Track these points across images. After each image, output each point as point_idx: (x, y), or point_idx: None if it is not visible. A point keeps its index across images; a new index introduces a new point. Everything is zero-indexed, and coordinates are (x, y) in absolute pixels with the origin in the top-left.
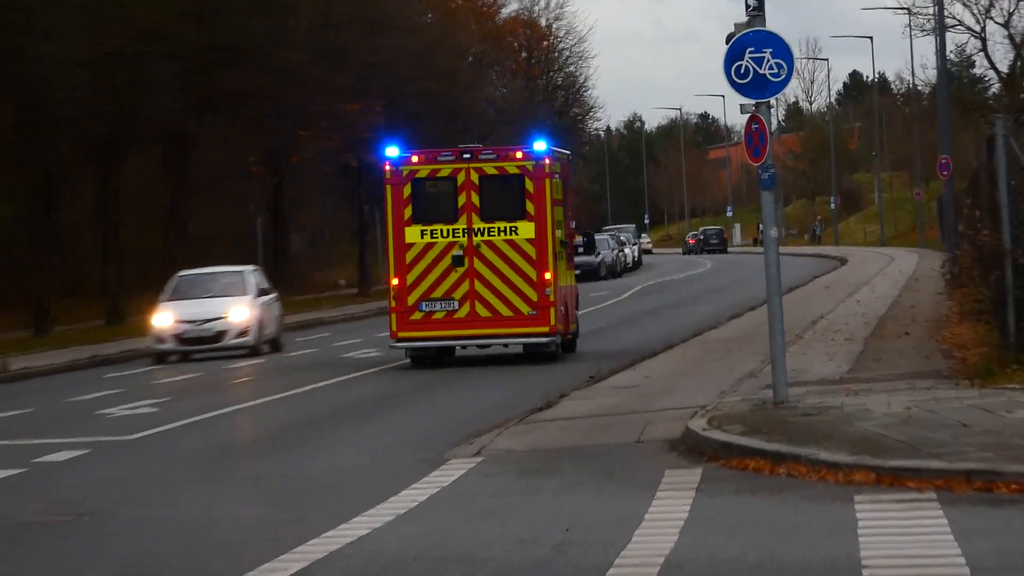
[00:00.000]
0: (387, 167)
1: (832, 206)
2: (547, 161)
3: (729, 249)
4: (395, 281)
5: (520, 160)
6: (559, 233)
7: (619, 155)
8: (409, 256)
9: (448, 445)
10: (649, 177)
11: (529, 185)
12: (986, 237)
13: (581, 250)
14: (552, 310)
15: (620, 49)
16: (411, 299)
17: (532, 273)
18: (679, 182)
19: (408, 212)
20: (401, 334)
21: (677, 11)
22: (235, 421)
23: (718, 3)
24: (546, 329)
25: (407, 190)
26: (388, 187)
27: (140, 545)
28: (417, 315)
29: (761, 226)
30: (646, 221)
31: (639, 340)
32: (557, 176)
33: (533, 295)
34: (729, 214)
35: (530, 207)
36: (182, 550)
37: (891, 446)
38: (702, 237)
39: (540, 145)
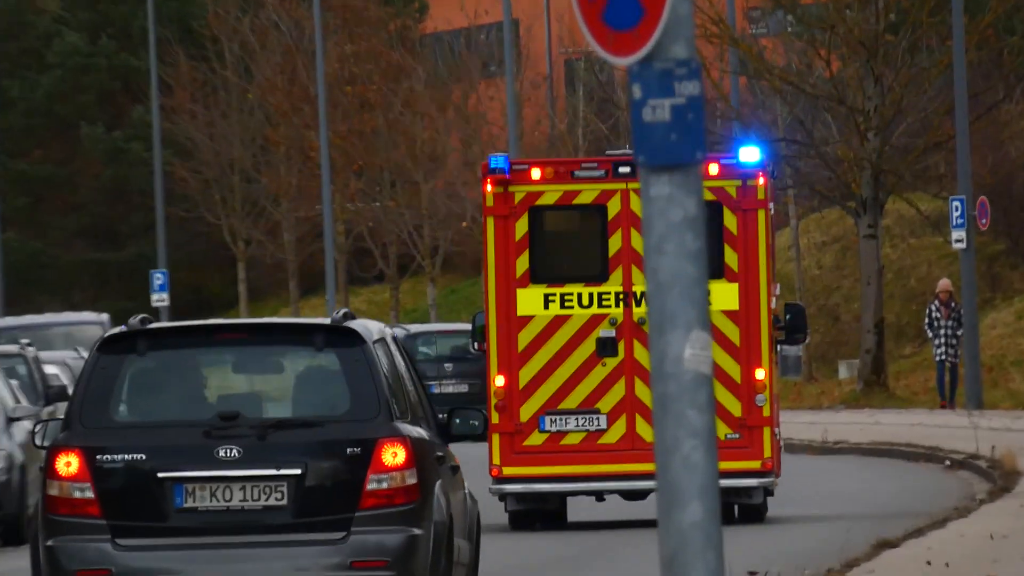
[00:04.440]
0: (488, 185)
1: (955, 234)
2: (761, 180)
3: None
4: (499, 380)
5: (716, 178)
6: (774, 304)
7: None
8: (524, 339)
9: None
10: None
11: (731, 221)
12: None
13: (782, 334)
14: (767, 432)
15: None
16: (526, 411)
17: (734, 370)
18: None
19: (523, 264)
20: (508, 470)
21: None
22: None
23: None
24: (756, 465)
25: (521, 227)
26: (488, 220)
27: None
28: (536, 438)
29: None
30: (158, 283)
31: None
32: (772, 206)
33: (735, 407)
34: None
35: (732, 259)
36: None
37: None
38: None
39: (751, 153)
